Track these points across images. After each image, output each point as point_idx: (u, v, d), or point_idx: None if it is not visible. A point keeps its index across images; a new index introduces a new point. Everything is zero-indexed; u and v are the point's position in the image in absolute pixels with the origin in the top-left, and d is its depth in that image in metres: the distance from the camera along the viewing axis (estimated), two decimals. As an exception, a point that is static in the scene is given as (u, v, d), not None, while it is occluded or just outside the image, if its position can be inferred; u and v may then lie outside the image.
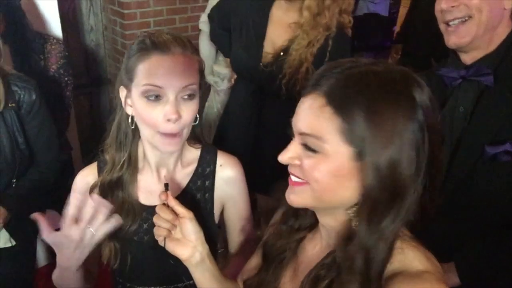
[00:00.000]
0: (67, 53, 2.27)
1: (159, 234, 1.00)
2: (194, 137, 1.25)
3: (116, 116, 1.19)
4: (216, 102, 2.59)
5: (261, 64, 1.88)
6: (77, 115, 3.16)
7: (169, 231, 1.00)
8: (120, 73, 1.15)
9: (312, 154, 0.77)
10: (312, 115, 0.76)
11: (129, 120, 1.14)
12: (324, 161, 0.76)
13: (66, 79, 2.20)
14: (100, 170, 1.23)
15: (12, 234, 1.69)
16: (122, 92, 1.14)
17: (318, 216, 0.88)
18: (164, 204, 1.00)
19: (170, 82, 1.05)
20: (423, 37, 3.28)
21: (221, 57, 2.55)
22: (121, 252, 1.20)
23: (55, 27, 2.59)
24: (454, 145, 1.31)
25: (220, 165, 1.27)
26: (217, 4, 2.17)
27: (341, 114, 0.73)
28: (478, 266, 1.24)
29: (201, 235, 1.00)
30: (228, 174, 1.27)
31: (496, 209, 1.24)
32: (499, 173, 1.20)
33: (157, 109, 1.07)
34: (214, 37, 2.31)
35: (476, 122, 1.26)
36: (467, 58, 1.29)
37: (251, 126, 2.00)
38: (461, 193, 1.27)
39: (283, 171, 0.85)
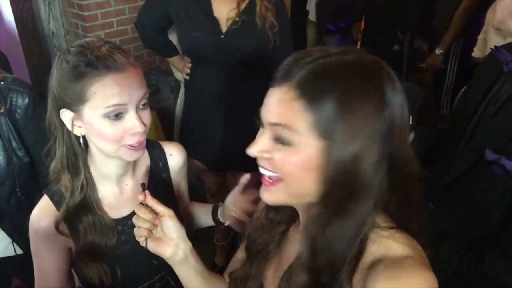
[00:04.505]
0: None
1: (140, 234, 0.98)
2: None
3: (59, 142, 1.13)
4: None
5: (222, 36, 1.94)
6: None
7: (150, 231, 0.98)
8: (56, 96, 1.08)
9: (283, 147, 0.76)
10: (283, 107, 0.75)
11: (81, 141, 1.11)
12: (295, 154, 0.75)
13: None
14: (57, 203, 1.17)
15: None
16: (66, 115, 1.08)
17: (298, 212, 0.88)
18: (142, 204, 0.99)
19: (131, 97, 1.04)
20: (386, 11, 3.32)
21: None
22: (110, 269, 1.19)
23: (13, 36, 2.53)
24: (468, 137, 1.24)
25: (171, 155, 1.31)
26: (144, 7, 2.19)
27: (313, 108, 0.73)
28: (446, 267, 1.20)
29: (183, 232, 0.99)
30: (179, 160, 1.34)
31: (482, 215, 1.19)
32: (490, 183, 1.14)
33: (120, 125, 1.05)
34: (148, 43, 2.34)
35: (497, 120, 1.17)
36: None
37: (220, 107, 2.05)
38: (456, 188, 1.24)
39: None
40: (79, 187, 1.14)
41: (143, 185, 1.01)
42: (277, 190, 0.79)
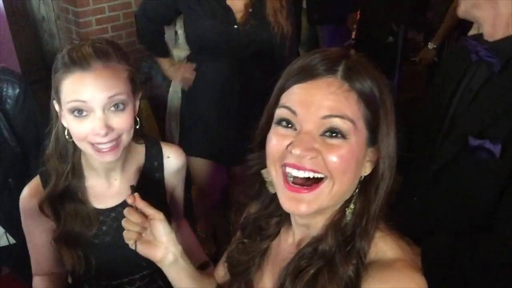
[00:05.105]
0: None
1: (129, 237, 0.97)
2: (138, 134, 1.26)
3: (53, 128, 1.17)
4: (180, 86, 2.56)
5: (235, 26, 1.91)
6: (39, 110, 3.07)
7: (140, 233, 0.97)
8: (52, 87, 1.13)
9: (337, 140, 0.74)
10: (337, 99, 0.74)
11: (66, 133, 1.13)
12: (352, 149, 0.75)
13: None
14: (44, 183, 1.21)
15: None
16: (56, 106, 1.13)
17: (306, 219, 0.85)
18: (131, 206, 0.98)
19: (93, 96, 1.05)
20: (380, 2, 3.29)
21: (180, 40, 2.52)
22: (84, 257, 1.21)
23: (1, 22, 2.47)
24: (448, 126, 1.26)
25: (168, 157, 1.31)
26: (150, 9, 2.10)
27: (363, 99, 0.75)
28: (440, 259, 1.18)
29: (172, 235, 0.99)
30: (176, 164, 1.33)
31: (471, 203, 1.20)
32: (477, 168, 1.15)
33: (85, 124, 1.07)
34: (145, 38, 2.25)
35: (475, 108, 1.18)
36: (488, 34, 1.18)
37: (233, 100, 2.01)
38: (441, 179, 1.24)
39: None
40: (65, 174, 1.18)
41: (132, 187, 1.01)
42: (321, 193, 0.76)
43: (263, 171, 0.86)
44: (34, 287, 1.28)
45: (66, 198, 1.19)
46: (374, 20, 3.34)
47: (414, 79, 3.88)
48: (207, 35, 1.95)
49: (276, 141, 0.78)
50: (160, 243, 0.97)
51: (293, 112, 0.76)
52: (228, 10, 1.92)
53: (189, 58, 2.22)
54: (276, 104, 0.81)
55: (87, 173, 1.21)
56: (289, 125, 0.77)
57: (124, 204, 1.08)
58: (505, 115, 1.11)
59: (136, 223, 0.97)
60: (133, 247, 0.98)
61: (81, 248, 1.21)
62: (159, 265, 1.00)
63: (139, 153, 1.28)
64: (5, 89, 1.52)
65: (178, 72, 2.23)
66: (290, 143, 0.76)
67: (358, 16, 3.60)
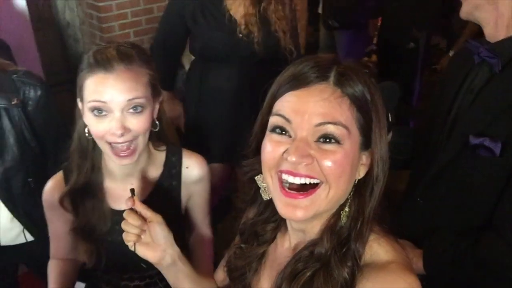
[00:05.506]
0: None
1: (128, 239, 0.99)
2: (158, 139, 1.29)
3: (77, 126, 1.23)
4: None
5: (240, 35, 1.93)
6: (60, 112, 3.15)
7: (138, 236, 0.99)
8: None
9: (331, 146, 0.75)
10: (331, 105, 0.75)
11: (86, 130, 1.17)
12: (346, 153, 0.75)
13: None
14: (66, 178, 1.27)
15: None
16: (79, 104, 1.18)
17: (302, 225, 0.85)
18: (131, 209, 1.00)
19: (113, 98, 1.09)
20: (402, 8, 3.26)
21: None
22: (96, 251, 1.27)
23: (25, 26, 2.55)
24: (450, 126, 1.26)
25: (187, 167, 1.31)
26: (160, 23, 2.17)
27: (355, 104, 0.76)
28: (442, 259, 1.20)
29: (170, 238, 1.00)
30: (194, 174, 1.32)
31: (472, 202, 1.20)
32: (478, 167, 1.15)
33: (103, 123, 1.11)
34: (160, 68, 2.25)
35: (475, 108, 1.19)
36: (490, 35, 1.18)
37: (244, 106, 2.03)
38: (443, 178, 1.25)
39: None
40: (85, 170, 1.23)
41: (132, 190, 1.03)
42: (317, 198, 0.77)
43: (258, 178, 0.87)
44: (49, 268, 1.35)
45: (85, 194, 1.24)
46: (395, 25, 3.30)
47: (435, 87, 3.80)
48: (212, 46, 1.98)
49: (271, 148, 0.78)
50: (158, 245, 0.99)
51: (287, 120, 0.77)
52: (232, 20, 1.95)
53: (192, 65, 2.23)
54: (269, 111, 0.81)
55: (106, 174, 1.26)
56: (284, 132, 0.78)
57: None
58: (505, 115, 1.11)
59: (134, 225, 0.98)
60: (132, 249, 1.00)
61: (94, 242, 1.26)
62: (157, 266, 1.02)
63: (159, 160, 1.30)
64: (27, 92, 1.57)
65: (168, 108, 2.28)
66: (286, 150, 0.76)
67: (380, 21, 3.57)
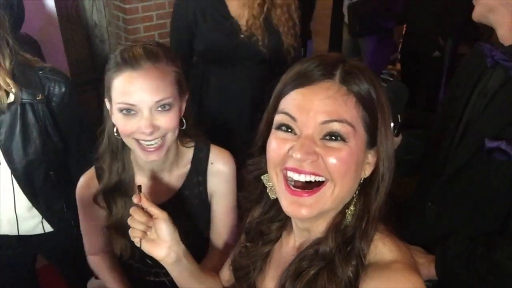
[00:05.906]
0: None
1: (134, 235, 1.01)
2: (186, 135, 1.30)
3: (106, 126, 1.25)
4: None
5: (242, 36, 1.94)
6: (85, 110, 3.21)
7: (144, 232, 1.00)
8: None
9: (337, 143, 0.75)
10: (336, 103, 0.75)
11: (115, 130, 1.19)
12: (352, 151, 0.75)
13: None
14: (99, 177, 1.30)
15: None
16: (107, 104, 1.20)
17: (307, 223, 0.85)
18: (138, 206, 1.01)
19: (141, 99, 1.11)
20: (427, 14, 3.21)
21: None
22: (131, 246, 1.28)
23: (53, 25, 2.61)
24: (463, 130, 1.25)
25: (212, 163, 1.32)
26: (171, 31, 2.14)
27: (361, 102, 0.76)
28: (456, 263, 1.18)
29: (176, 235, 1.01)
30: (218, 170, 1.33)
31: (487, 206, 1.18)
32: (493, 170, 1.14)
33: (133, 121, 1.13)
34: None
35: (490, 111, 1.18)
36: (503, 38, 1.16)
37: (247, 107, 2.03)
38: (456, 182, 1.24)
39: None
40: (116, 170, 1.26)
41: (139, 187, 1.04)
42: (322, 195, 0.76)
43: (264, 177, 0.87)
44: (91, 264, 1.42)
45: (117, 192, 1.28)
46: (420, 33, 3.25)
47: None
48: (214, 47, 1.98)
49: (277, 145, 0.78)
50: (164, 242, 1.00)
51: (293, 118, 0.76)
52: (234, 22, 1.95)
53: (194, 66, 2.20)
54: (275, 109, 0.81)
55: (136, 171, 1.29)
56: (289, 130, 0.78)
57: (168, 203, 1.15)
58: None
59: (140, 222, 0.99)
60: (138, 245, 1.01)
61: (128, 237, 1.26)
62: (162, 263, 1.03)
63: (187, 156, 1.32)
64: (52, 88, 1.61)
65: None
66: (291, 148, 0.76)
67: (405, 28, 3.53)
